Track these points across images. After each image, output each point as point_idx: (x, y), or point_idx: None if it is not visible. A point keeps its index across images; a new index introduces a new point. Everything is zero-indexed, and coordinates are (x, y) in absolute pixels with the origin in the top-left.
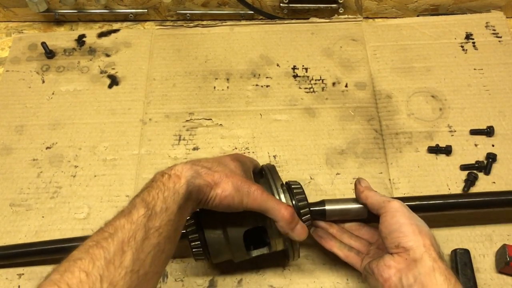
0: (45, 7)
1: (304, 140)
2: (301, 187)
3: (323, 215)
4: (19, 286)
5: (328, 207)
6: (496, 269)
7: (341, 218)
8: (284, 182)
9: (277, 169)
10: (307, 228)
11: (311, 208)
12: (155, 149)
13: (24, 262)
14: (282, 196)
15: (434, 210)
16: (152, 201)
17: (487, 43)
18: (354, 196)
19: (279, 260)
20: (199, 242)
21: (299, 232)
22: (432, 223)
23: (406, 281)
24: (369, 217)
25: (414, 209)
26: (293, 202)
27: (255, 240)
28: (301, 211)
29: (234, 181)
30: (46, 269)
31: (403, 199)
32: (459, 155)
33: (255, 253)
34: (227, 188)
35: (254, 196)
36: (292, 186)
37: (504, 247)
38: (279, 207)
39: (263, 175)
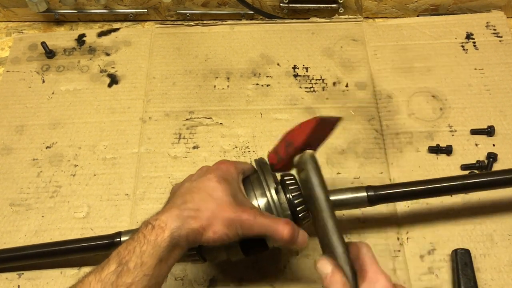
0: (45, 7)
1: None
2: (295, 181)
3: None
4: (19, 286)
5: None
6: None
7: (340, 209)
8: (277, 176)
9: None
10: (307, 234)
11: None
12: (155, 147)
13: (19, 266)
14: (272, 191)
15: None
16: (126, 255)
17: (487, 43)
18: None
19: (280, 260)
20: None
21: (300, 243)
22: (433, 223)
23: None
24: (370, 204)
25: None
26: (287, 196)
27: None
28: (297, 209)
29: (225, 217)
30: (45, 270)
31: (404, 185)
32: (459, 155)
33: (252, 252)
34: (218, 230)
35: (248, 225)
36: (287, 182)
37: None
38: (276, 228)
39: (255, 171)
